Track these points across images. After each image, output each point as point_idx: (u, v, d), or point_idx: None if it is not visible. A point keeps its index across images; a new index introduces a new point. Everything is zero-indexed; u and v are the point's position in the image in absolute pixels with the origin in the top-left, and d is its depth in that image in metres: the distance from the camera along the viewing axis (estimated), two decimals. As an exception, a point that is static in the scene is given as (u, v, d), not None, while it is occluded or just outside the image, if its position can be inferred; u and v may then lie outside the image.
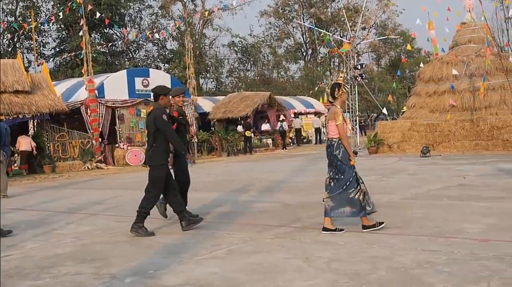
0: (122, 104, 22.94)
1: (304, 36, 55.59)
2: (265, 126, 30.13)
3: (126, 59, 45.71)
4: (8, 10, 41.40)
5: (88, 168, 20.55)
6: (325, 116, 35.96)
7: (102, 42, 41.39)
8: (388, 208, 8.19)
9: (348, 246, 5.87)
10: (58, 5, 38.90)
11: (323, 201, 6.67)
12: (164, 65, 48.73)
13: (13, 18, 40.68)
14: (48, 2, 43.02)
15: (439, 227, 6.61)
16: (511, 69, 20.67)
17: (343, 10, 42.06)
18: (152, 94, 7.54)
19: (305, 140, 33.74)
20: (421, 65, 25.11)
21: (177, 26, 38.23)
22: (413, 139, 20.66)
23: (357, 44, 46.17)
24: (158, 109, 7.19)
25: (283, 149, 27.98)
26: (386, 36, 50.47)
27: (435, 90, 21.67)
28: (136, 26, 46.93)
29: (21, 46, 42.49)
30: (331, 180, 6.61)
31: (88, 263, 5.83)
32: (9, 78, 19.94)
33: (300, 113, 35.15)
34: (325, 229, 6.60)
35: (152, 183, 7.22)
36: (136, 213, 7.17)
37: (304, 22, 52.04)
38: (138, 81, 23.66)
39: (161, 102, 7.28)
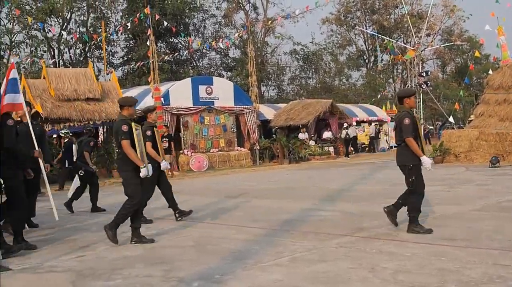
0: (186, 111, 23.41)
1: (367, 43, 55.03)
2: (326, 134, 29.98)
3: (190, 67, 46.56)
4: (80, 21, 43.05)
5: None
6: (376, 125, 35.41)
7: (168, 51, 42.36)
8: (456, 219, 8.02)
9: (415, 257, 5.79)
10: (127, 16, 40.14)
11: None
12: (226, 73, 49.32)
13: (84, 29, 42.27)
14: (117, 13, 44.49)
15: (511, 241, 6.43)
16: None
17: (407, 17, 41.42)
18: (397, 97, 7.69)
19: (366, 149, 33.34)
20: (490, 72, 24.40)
21: (240, 34, 38.67)
22: (481, 149, 20.04)
23: (421, 51, 45.33)
24: (405, 111, 7.28)
25: (345, 157, 27.74)
26: (452, 43, 49.29)
27: (505, 98, 20.96)
28: (200, 35, 47.79)
29: (92, 56, 44.02)
30: None
31: (157, 266, 6.00)
32: (81, 86, 20.73)
33: (363, 121, 34.80)
34: None
35: (412, 183, 7.24)
36: (409, 218, 7.24)
37: (366, 29, 51.54)
38: (202, 89, 24.08)
39: (405, 105, 7.38)
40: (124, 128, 7.20)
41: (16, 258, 6.72)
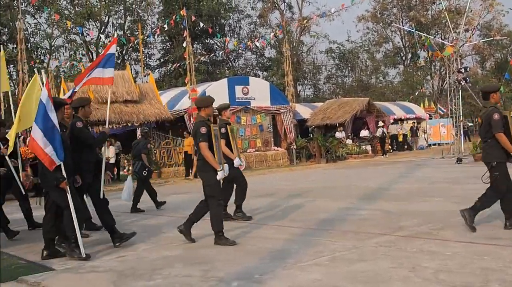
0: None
1: (404, 40, 54.34)
2: (364, 133, 29.75)
3: (226, 68, 46.84)
4: (117, 25, 43.79)
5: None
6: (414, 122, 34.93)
7: (204, 52, 42.70)
8: (499, 218, 7.85)
9: (457, 257, 5.70)
10: (163, 18, 40.62)
11: None
12: (262, 73, 49.44)
13: (121, 32, 42.96)
14: (153, 15, 45.09)
15: (556, 239, 6.26)
16: None
17: (445, 12, 40.73)
18: (482, 92, 7.47)
19: (405, 147, 32.96)
20: (531, 67, 23.83)
21: (276, 34, 38.70)
22: (523, 145, 19.54)
23: (460, 47, 44.51)
24: (492, 107, 7.10)
25: (382, 155, 27.51)
26: (492, 38, 48.25)
27: (547, 94, 20.45)
28: (236, 35, 48.02)
29: (129, 58, 44.73)
30: None
31: (196, 265, 6.05)
32: (120, 88, 21.07)
33: (400, 119, 34.41)
34: None
35: (496, 180, 6.99)
36: (474, 204, 7.04)
37: (403, 26, 50.87)
38: (238, 89, 24.18)
39: (491, 100, 7.20)
40: (203, 130, 7.13)
41: (58, 258, 6.88)
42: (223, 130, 8.84)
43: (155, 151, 21.76)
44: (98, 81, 8.39)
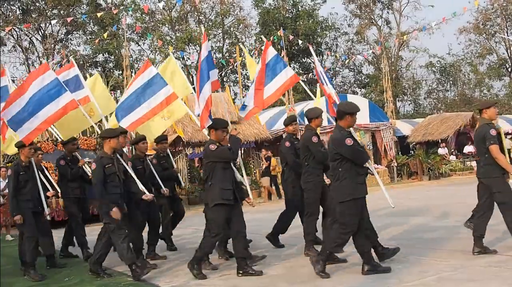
0: (322, 130, 23.46)
1: (509, 50, 51.86)
2: (468, 148, 28.61)
3: (323, 86, 46.82)
4: (216, 48, 45.11)
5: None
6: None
7: (301, 71, 42.98)
8: None
9: None
10: (260, 39, 41.40)
11: None
12: (360, 90, 48.92)
13: (220, 54, 44.18)
14: (251, 37, 46.01)
15: None
16: None
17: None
18: None
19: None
20: None
21: (374, 50, 38.30)
22: None
23: None
24: None
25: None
26: None
27: None
28: (332, 53, 48.00)
29: (228, 80, 45.81)
30: None
31: (299, 285, 6.10)
32: (220, 110, 21.62)
33: (507, 133, 32.75)
34: None
35: None
36: None
37: (508, 36, 48.62)
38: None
39: None
40: (493, 132, 6.89)
41: (165, 276, 7.14)
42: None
43: (254, 171, 22.05)
44: (216, 85, 8.53)
